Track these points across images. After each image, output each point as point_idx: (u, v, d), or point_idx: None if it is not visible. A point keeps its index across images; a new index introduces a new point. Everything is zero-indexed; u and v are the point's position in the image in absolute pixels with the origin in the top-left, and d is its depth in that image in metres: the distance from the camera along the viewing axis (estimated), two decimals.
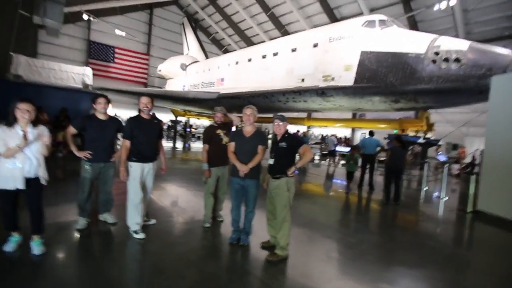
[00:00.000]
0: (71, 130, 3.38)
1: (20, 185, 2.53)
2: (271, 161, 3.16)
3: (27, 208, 2.67)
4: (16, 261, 2.53)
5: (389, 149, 6.41)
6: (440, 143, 12.70)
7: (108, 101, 3.44)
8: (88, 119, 3.42)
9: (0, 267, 2.42)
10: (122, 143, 3.26)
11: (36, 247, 2.66)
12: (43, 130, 2.68)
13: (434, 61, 7.46)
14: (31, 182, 2.60)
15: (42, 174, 2.68)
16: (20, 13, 11.55)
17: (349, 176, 7.26)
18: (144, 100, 3.33)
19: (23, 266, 2.48)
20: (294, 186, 3.14)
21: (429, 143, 11.71)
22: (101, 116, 3.41)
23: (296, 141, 3.14)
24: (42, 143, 2.61)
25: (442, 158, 12.50)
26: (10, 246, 2.66)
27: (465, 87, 7.07)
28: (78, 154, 3.34)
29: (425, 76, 7.60)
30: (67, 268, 2.59)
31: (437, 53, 7.44)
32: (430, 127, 11.06)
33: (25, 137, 2.49)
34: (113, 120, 3.56)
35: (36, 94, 10.32)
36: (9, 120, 2.51)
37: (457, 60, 7.10)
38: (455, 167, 12.31)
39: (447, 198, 6.80)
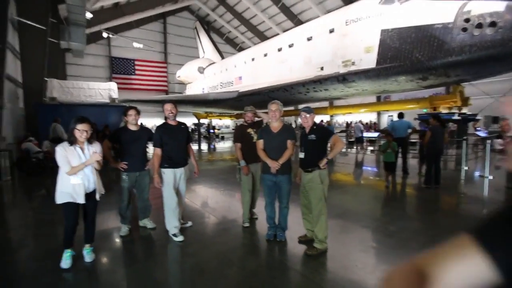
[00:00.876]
0: (108, 144, 3.57)
1: (82, 200, 2.71)
2: (302, 155, 3.11)
3: (83, 219, 2.88)
4: (70, 269, 2.73)
5: (429, 129, 5.91)
6: (478, 117, 11.77)
7: (138, 112, 3.58)
8: (121, 131, 3.58)
9: (55, 276, 2.63)
10: (154, 152, 3.38)
11: (87, 255, 2.87)
12: (97, 146, 2.86)
13: (464, 29, 6.90)
14: (89, 196, 2.79)
15: (99, 189, 2.86)
16: (49, 40, 12.44)
17: (388, 167, 6.17)
18: (168, 106, 3.43)
19: (77, 273, 2.67)
20: (327, 178, 3.07)
21: (466, 119, 10.88)
22: (132, 128, 3.55)
23: (325, 132, 3.07)
24: (96, 158, 2.74)
25: (481, 133, 11.57)
26: (66, 263, 2.73)
27: (505, 52, 6.46)
28: (115, 165, 3.52)
29: (455, 47, 7.05)
30: (115, 273, 2.75)
31: (467, 20, 6.87)
32: (465, 101, 10.26)
33: (96, 158, 2.70)
34: (144, 130, 3.71)
35: (70, 112, 11.09)
36: (71, 140, 2.68)
37: (492, 24, 6.50)
38: (498, 142, 11.32)
39: (491, 177, 6.29)
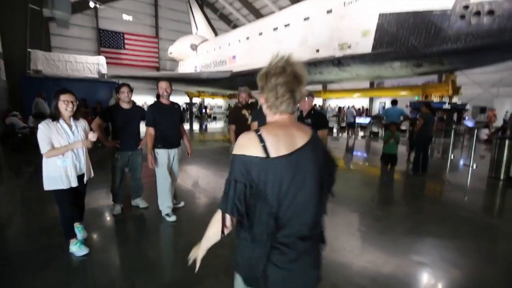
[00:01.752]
0: (100, 122, 3.45)
1: (75, 183, 2.50)
2: None
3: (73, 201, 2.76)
4: (62, 248, 2.73)
5: (421, 117, 5.92)
6: (467, 107, 12.00)
7: (131, 90, 3.45)
8: (113, 109, 3.47)
9: (47, 253, 2.64)
10: (146, 131, 3.30)
11: (79, 233, 2.84)
12: (84, 123, 2.62)
13: (462, 17, 6.84)
14: (80, 178, 2.58)
15: (89, 171, 2.69)
16: (30, 7, 11.63)
17: (388, 159, 5.75)
18: (163, 85, 3.30)
19: (68, 252, 2.68)
20: None
21: (455, 109, 11.08)
22: (125, 105, 3.44)
23: (319, 120, 3.02)
24: (93, 139, 2.55)
25: (469, 123, 11.85)
26: (82, 250, 2.59)
27: (500, 42, 6.48)
28: (109, 144, 3.44)
29: (451, 34, 7.02)
30: (108, 251, 2.77)
31: (466, 7, 6.79)
32: (456, 91, 10.40)
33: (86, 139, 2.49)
34: (137, 108, 3.61)
35: (57, 87, 10.63)
36: (54, 114, 2.38)
37: (490, 12, 6.46)
38: (484, 132, 11.65)
39: (476, 166, 6.52)
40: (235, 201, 0.95)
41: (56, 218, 3.02)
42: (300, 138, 1.02)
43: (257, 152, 0.93)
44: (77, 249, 2.60)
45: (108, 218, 3.51)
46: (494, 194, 5.11)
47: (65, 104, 2.40)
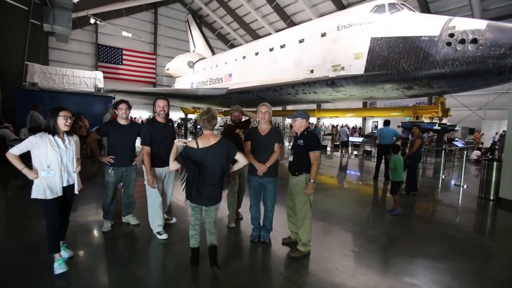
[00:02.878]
0: (95, 136, 3.46)
1: (59, 191, 2.55)
2: (291, 158, 3.15)
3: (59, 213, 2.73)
4: (47, 266, 2.63)
5: (419, 138, 5.95)
6: (456, 128, 12.32)
7: (130, 107, 3.48)
8: (110, 125, 3.48)
9: (30, 272, 2.54)
10: (142, 149, 3.27)
11: (63, 251, 2.76)
12: (76, 138, 2.78)
13: (449, 44, 7.20)
14: (67, 189, 2.63)
15: (77, 182, 2.72)
16: (31, 22, 11.83)
17: (396, 188, 4.73)
18: (161, 103, 3.32)
19: (53, 271, 2.58)
20: (314, 183, 3.12)
21: (445, 129, 11.38)
22: (122, 122, 3.45)
23: (311, 141, 3.02)
24: (76, 151, 2.69)
25: (459, 144, 12.13)
26: (61, 268, 2.55)
27: (484, 68, 6.80)
28: (102, 159, 3.41)
29: (439, 59, 7.35)
30: (96, 270, 2.68)
31: (452, 35, 7.17)
32: (445, 112, 10.73)
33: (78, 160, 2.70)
34: (134, 125, 3.60)
35: (51, 100, 10.63)
36: (53, 129, 2.52)
37: (474, 40, 6.82)
38: (475, 153, 11.91)
39: (466, 186, 6.63)
40: (186, 162, 2.51)
41: (42, 233, 2.97)
42: (213, 141, 2.57)
43: (193, 145, 2.55)
44: (57, 266, 2.56)
45: (97, 235, 3.42)
46: (485, 214, 5.16)
47: (64, 120, 2.57)
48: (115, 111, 3.45)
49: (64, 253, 2.75)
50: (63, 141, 2.60)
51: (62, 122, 2.55)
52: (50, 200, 2.51)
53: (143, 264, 2.82)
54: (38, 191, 2.49)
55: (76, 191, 2.72)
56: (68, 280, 2.48)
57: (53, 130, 2.54)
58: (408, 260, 3.06)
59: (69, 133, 2.67)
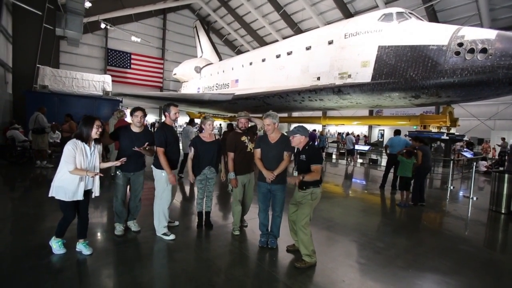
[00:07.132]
0: (108, 141, 3.57)
1: (81, 197, 2.79)
2: (295, 174, 3.12)
3: (78, 215, 2.92)
4: (51, 269, 2.62)
5: (419, 149, 5.79)
6: (465, 138, 12.12)
7: (145, 114, 3.51)
8: (123, 130, 3.48)
9: (34, 276, 2.53)
10: (159, 152, 3.34)
11: (85, 248, 2.94)
12: (100, 147, 2.96)
13: (457, 53, 7.15)
14: (86, 193, 2.85)
15: (96, 188, 2.91)
16: (44, 26, 12.13)
17: (404, 184, 5.43)
18: (176, 110, 3.54)
19: (62, 273, 2.57)
20: (319, 197, 3.08)
21: (453, 139, 11.20)
22: (136, 129, 3.45)
23: (312, 155, 2.99)
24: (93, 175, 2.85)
25: (468, 154, 11.92)
26: (60, 250, 2.88)
27: (494, 78, 6.72)
28: (111, 164, 3.38)
29: (448, 69, 7.29)
30: (100, 274, 2.66)
31: (461, 44, 7.12)
32: (454, 122, 10.59)
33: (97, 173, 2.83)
34: (147, 132, 3.56)
35: (60, 102, 10.81)
36: (86, 137, 2.75)
37: (483, 50, 6.75)
38: (483, 164, 11.69)
39: (476, 198, 6.47)
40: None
41: (46, 236, 3.04)
42: (211, 139, 3.79)
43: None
44: (56, 246, 2.85)
45: (100, 238, 3.41)
46: (496, 228, 5.02)
47: (97, 129, 2.80)
48: (116, 113, 3.52)
49: (85, 250, 2.93)
50: (90, 148, 2.81)
51: (95, 131, 2.78)
52: (74, 202, 2.78)
53: (147, 271, 2.79)
54: (58, 192, 2.71)
55: (95, 194, 2.92)
56: (76, 283, 2.46)
57: (86, 138, 2.75)
58: (417, 274, 2.97)
59: (97, 141, 2.87)
